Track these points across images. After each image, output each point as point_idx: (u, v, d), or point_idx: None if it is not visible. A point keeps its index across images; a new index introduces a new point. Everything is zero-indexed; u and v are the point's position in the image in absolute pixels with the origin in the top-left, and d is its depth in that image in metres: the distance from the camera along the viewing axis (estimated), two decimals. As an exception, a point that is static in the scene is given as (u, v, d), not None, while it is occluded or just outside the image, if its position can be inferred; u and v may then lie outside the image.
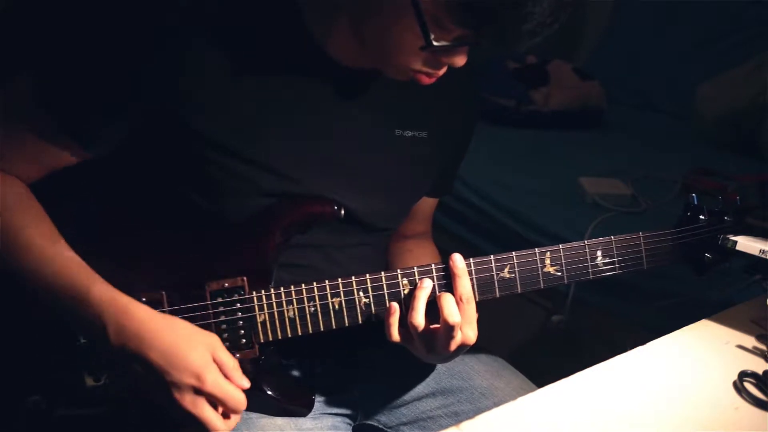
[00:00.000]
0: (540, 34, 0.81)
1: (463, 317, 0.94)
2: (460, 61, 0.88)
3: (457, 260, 0.95)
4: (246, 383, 0.91)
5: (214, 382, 0.87)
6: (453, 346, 0.94)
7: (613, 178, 2.08)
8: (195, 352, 0.87)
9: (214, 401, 0.88)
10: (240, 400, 0.89)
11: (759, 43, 2.53)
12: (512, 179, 2.12)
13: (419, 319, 0.93)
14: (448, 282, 0.96)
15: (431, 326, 0.94)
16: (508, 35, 0.81)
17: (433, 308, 0.94)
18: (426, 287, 0.95)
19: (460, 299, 0.94)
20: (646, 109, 2.89)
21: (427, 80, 0.91)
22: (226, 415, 0.90)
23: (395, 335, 0.95)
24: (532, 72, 2.69)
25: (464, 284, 0.95)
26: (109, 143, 0.94)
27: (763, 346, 0.99)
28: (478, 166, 2.17)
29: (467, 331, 0.95)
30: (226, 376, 0.89)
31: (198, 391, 0.87)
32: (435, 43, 0.82)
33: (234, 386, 0.89)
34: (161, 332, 0.87)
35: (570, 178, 2.08)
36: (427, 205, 1.20)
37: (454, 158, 1.16)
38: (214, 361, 0.89)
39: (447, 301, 0.93)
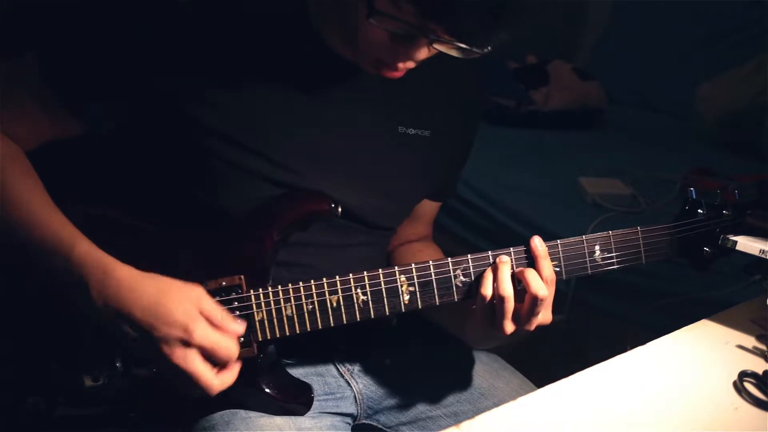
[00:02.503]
0: (493, 29, 0.80)
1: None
2: (420, 54, 0.86)
3: (538, 243, 0.95)
4: (240, 327, 0.90)
5: (203, 333, 0.86)
6: (534, 323, 0.94)
7: (613, 178, 2.08)
8: (180, 305, 0.87)
9: (206, 353, 0.88)
10: (231, 349, 0.89)
11: (759, 43, 2.53)
12: (512, 179, 2.12)
13: (509, 288, 0.92)
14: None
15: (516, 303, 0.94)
16: (462, 26, 0.80)
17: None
18: (507, 261, 0.94)
19: (545, 281, 0.94)
20: (646, 109, 2.89)
21: (389, 73, 0.90)
22: (219, 371, 0.90)
23: (487, 292, 0.93)
24: (532, 72, 2.70)
25: (547, 265, 0.94)
26: (108, 122, 0.95)
27: (763, 346, 0.99)
28: (478, 166, 2.16)
29: (547, 311, 0.95)
30: (216, 326, 0.88)
31: (187, 344, 0.86)
32: (380, 11, 0.80)
33: (223, 335, 0.88)
34: (144, 288, 0.87)
35: (570, 178, 2.08)
36: (430, 207, 1.20)
37: (456, 161, 1.16)
38: (201, 313, 0.88)
39: (533, 276, 0.93)
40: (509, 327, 0.94)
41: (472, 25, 0.81)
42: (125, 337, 0.88)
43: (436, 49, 0.84)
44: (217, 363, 0.89)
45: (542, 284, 0.92)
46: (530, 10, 0.81)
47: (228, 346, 0.88)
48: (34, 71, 0.92)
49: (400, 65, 0.88)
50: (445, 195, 1.20)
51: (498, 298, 0.93)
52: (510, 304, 0.93)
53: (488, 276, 0.94)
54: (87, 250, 0.88)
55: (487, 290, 0.93)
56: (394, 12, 0.81)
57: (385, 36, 0.84)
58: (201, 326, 0.86)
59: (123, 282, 0.87)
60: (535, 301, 0.92)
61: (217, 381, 0.89)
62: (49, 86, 0.92)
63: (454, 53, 0.84)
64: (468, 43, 0.82)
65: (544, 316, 0.95)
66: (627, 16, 3.08)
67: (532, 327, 0.95)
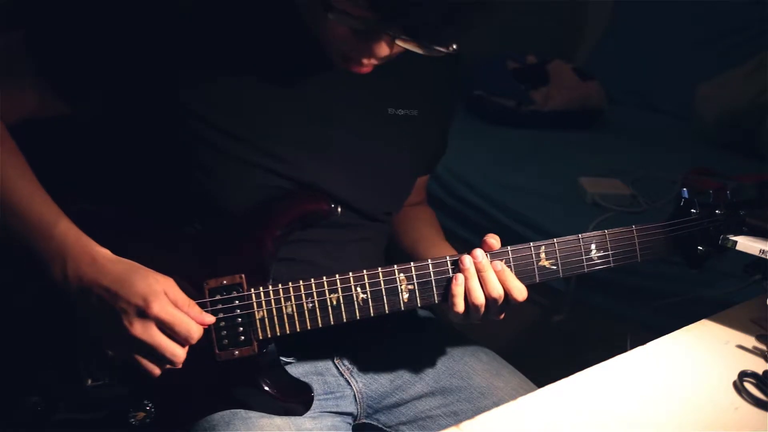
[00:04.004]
0: (448, 29, 0.82)
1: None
2: (381, 50, 0.86)
3: (480, 255, 0.97)
4: (207, 318, 0.92)
5: (161, 305, 0.88)
6: (504, 312, 0.98)
7: (613, 178, 2.08)
8: (144, 281, 0.88)
9: (164, 327, 0.89)
10: (190, 325, 0.89)
11: (759, 43, 2.53)
12: (512, 179, 2.12)
13: (481, 298, 0.96)
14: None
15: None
16: (419, 25, 0.82)
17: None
18: (472, 271, 0.96)
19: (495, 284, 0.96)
20: (646, 109, 2.89)
21: (356, 68, 0.91)
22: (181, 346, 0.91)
23: (460, 306, 0.96)
24: (532, 72, 2.69)
25: (490, 277, 0.96)
26: (94, 104, 0.96)
27: (763, 346, 0.99)
28: (478, 166, 2.17)
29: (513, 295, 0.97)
30: (179, 308, 0.90)
31: (145, 315, 0.87)
32: (334, 6, 0.82)
33: (182, 313, 0.89)
34: (116, 266, 0.90)
35: (570, 178, 2.08)
36: (421, 179, 1.22)
37: (442, 135, 1.18)
38: (167, 294, 0.89)
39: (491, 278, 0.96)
40: (483, 319, 0.98)
41: (426, 26, 0.82)
42: (89, 311, 0.90)
43: (400, 46, 0.85)
44: (177, 340, 0.90)
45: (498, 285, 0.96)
46: (486, 9, 0.82)
47: (188, 322, 0.89)
48: (22, 45, 0.93)
49: (365, 61, 0.89)
50: (435, 165, 1.23)
51: (473, 307, 0.96)
52: (482, 308, 0.96)
53: (459, 293, 0.96)
54: (68, 228, 0.91)
55: (460, 307, 0.96)
56: (350, 9, 0.82)
57: (346, 31, 0.86)
58: (161, 300, 0.88)
59: (98, 258, 0.90)
60: (498, 300, 0.96)
61: (181, 351, 0.90)
62: (35, 62, 0.93)
63: (418, 51, 0.85)
64: (428, 42, 0.84)
65: (516, 299, 0.97)
66: (627, 16, 3.08)
67: (502, 316, 0.99)
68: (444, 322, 1.19)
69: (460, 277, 0.96)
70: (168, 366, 0.91)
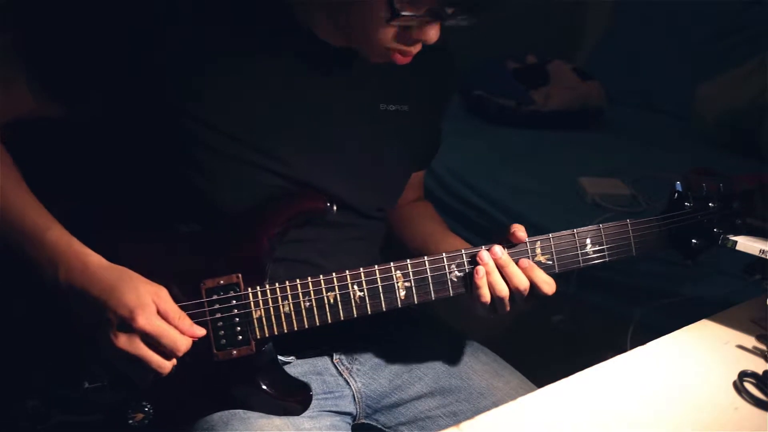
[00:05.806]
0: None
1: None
2: (433, 36, 0.89)
3: (499, 252, 0.97)
4: (197, 331, 0.91)
5: (147, 319, 0.87)
6: (531, 302, 0.99)
7: (613, 178, 2.08)
8: (133, 291, 0.88)
9: (149, 340, 0.88)
10: (177, 340, 0.89)
11: (759, 43, 2.53)
12: (512, 179, 2.12)
13: (505, 290, 0.96)
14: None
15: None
16: (474, 3, 0.84)
17: None
18: (492, 265, 0.97)
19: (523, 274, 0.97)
20: (646, 109, 2.89)
21: (401, 59, 0.92)
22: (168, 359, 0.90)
23: (486, 296, 0.96)
24: (532, 72, 2.69)
25: (515, 271, 0.97)
26: (89, 107, 0.95)
27: (763, 346, 0.99)
28: (478, 166, 2.17)
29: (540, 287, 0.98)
30: (170, 322, 0.89)
31: (130, 328, 0.87)
32: (402, 14, 0.84)
33: (169, 327, 0.89)
34: (107, 274, 0.89)
35: (570, 178, 2.08)
36: (417, 175, 1.23)
37: (434, 129, 1.18)
38: (157, 307, 0.89)
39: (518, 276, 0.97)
40: (508, 310, 0.99)
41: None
42: (80, 318, 0.90)
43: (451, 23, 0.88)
44: (162, 352, 0.89)
45: (523, 278, 0.97)
46: None
47: (173, 336, 0.89)
48: (17, 47, 0.93)
49: (413, 49, 0.92)
50: (429, 161, 1.23)
51: (498, 300, 0.96)
52: (507, 300, 0.97)
53: (482, 284, 0.96)
54: (60, 234, 0.90)
55: (486, 298, 0.96)
56: (414, 10, 0.84)
57: (398, 29, 0.88)
58: (147, 312, 0.87)
59: (89, 266, 0.89)
60: (524, 292, 0.97)
61: (167, 363, 0.89)
62: (29, 65, 0.93)
63: (466, 23, 0.88)
64: (479, 10, 0.87)
65: (545, 293, 0.98)
66: (627, 16, 3.08)
67: (529, 305, 0.99)
68: (451, 323, 1.19)
69: (481, 269, 0.96)
70: (154, 376, 0.90)
